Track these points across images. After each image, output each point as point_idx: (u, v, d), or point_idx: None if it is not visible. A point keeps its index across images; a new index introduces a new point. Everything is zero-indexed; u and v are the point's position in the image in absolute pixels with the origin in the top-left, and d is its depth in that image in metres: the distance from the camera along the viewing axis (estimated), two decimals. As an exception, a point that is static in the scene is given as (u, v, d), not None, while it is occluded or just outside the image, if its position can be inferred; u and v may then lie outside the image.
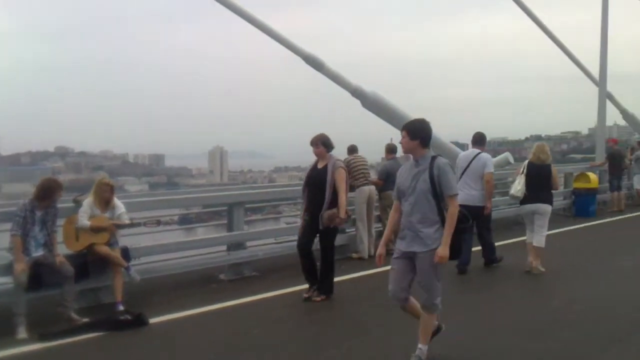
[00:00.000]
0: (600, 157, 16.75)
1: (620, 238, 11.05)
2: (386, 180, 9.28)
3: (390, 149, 9.92)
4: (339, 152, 7.60)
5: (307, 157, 7.25)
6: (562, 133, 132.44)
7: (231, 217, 8.05)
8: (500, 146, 59.64)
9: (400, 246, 4.46)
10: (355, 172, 9.04)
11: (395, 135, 12.84)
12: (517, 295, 7.09)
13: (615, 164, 15.04)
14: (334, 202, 6.39)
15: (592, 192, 13.88)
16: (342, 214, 6.40)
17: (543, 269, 7.84)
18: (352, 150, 9.68)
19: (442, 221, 4.33)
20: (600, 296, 6.75)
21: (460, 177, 7.88)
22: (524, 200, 8.00)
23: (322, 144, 6.59)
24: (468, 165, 8.01)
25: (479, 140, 8.42)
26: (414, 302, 4.53)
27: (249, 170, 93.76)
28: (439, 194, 4.33)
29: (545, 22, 17.58)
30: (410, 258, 4.40)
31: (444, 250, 4.27)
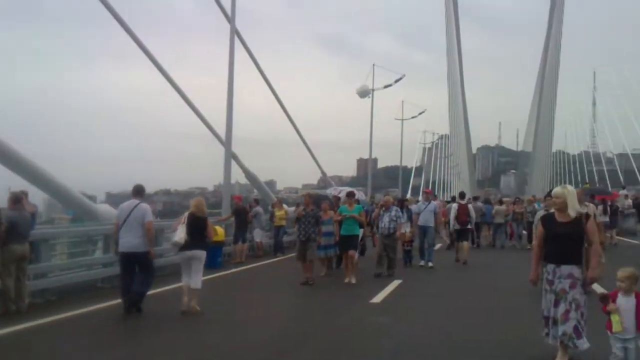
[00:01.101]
0: (226, 211, 17.98)
1: (246, 287, 11.96)
2: (10, 232, 8.38)
3: (15, 199, 8.97)
4: None
5: None
6: (190, 188, 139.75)
7: None
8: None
9: None
10: None
11: (16, 184, 11.75)
12: (171, 338, 7.11)
13: (241, 219, 16.35)
14: None
15: (219, 245, 14.70)
16: None
17: (199, 308, 8.45)
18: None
19: None
20: (238, 342, 7.13)
21: (122, 226, 8.49)
22: (183, 247, 8.67)
23: None
24: (129, 215, 8.50)
25: (139, 191, 8.96)
26: None
27: None
28: None
29: (180, 82, 18.51)
30: None
31: None
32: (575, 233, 5.45)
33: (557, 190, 5.75)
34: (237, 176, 25.77)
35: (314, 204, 12.55)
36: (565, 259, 5.44)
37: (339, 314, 9.00)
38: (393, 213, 12.97)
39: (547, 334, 5.57)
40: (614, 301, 5.11)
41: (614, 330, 5.04)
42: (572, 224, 5.49)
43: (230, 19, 19.47)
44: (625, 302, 5.07)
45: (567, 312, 5.32)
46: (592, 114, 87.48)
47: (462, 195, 17.90)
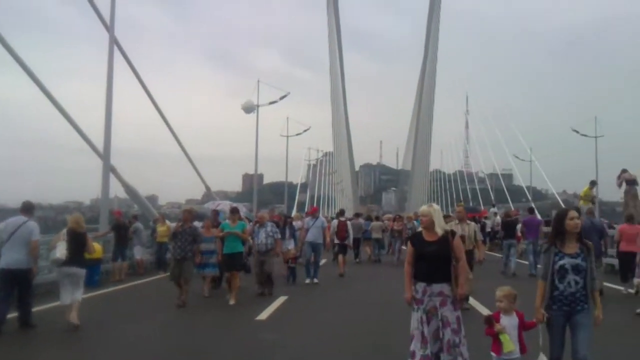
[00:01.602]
0: (104, 227, 17.16)
1: (125, 307, 11.41)
2: None
3: None
4: None
5: None
6: (65, 202, 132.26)
7: None
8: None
9: None
10: None
11: None
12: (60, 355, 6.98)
13: (120, 235, 15.67)
14: None
15: (96, 262, 14.01)
16: None
17: (78, 322, 8.40)
18: None
19: None
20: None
21: (7, 242, 8.45)
22: (63, 263, 8.58)
23: None
24: (15, 231, 8.46)
25: (28, 208, 8.94)
26: None
27: None
28: None
29: (54, 91, 17.47)
30: None
31: None
32: (443, 251, 5.43)
33: (423, 208, 5.66)
34: (116, 190, 24.78)
35: (197, 220, 12.23)
36: (435, 277, 5.40)
37: (223, 333, 8.86)
38: (269, 229, 12.51)
39: (415, 353, 5.35)
40: (498, 322, 5.08)
41: (505, 350, 4.98)
42: (439, 242, 5.47)
43: (109, 28, 18.80)
44: (507, 322, 5.09)
45: (437, 329, 5.30)
46: (465, 135, 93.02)
47: (341, 212, 19.48)
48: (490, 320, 5.10)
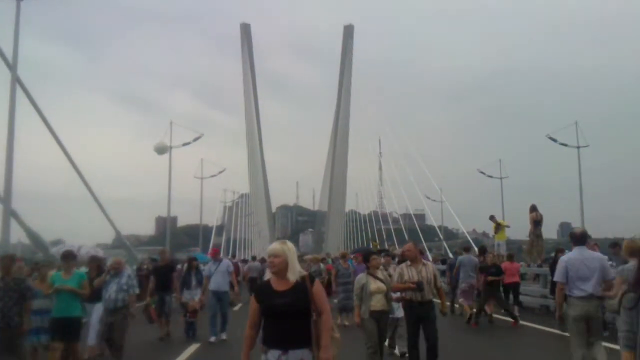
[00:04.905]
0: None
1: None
2: None
3: None
4: None
5: None
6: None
7: None
8: None
9: None
10: None
11: None
12: None
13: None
14: None
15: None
16: None
17: None
18: None
19: None
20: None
21: None
22: None
23: None
24: None
25: None
26: None
27: None
28: None
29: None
30: None
31: None
32: (300, 303, 4.16)
33: (275, 247, 4.34)
34: (19, 235, 23.51)
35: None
36: (293, 341, 4.12)
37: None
38: (124, 280, 9.38)
39: None
40: None
41: None
42: (293, 291, 4.20)
43: (12, 66, 18.16)
44: None
45: None
46: (379, 177, 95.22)
47: (233, 255, 24.33)
48: None
